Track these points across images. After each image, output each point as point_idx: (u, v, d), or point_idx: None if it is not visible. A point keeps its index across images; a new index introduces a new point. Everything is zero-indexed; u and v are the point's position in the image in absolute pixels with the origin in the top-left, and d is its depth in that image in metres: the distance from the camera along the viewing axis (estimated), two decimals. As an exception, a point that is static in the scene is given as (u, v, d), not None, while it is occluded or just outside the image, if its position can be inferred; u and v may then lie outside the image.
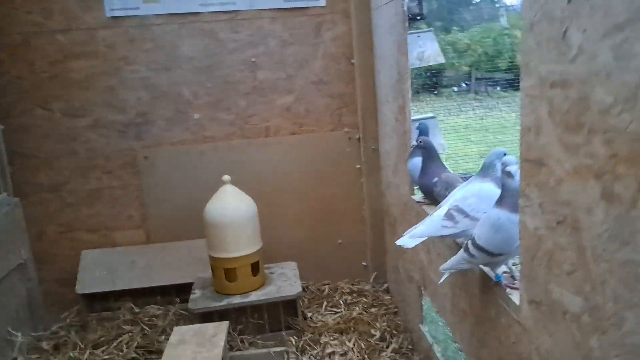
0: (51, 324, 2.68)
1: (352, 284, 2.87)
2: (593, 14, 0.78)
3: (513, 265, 1.32)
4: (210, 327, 2.17)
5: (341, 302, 2.69)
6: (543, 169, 0.98)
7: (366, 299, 2.72)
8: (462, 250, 1.29)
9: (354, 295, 2.77)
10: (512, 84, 15.41)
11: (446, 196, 1.63)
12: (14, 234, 2.50)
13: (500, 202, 1.25)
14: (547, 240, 0.99)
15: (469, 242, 1.25)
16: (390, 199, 2.56)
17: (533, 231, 1.04)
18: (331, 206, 2.85)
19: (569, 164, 0.89)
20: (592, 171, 0.82)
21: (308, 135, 2.77)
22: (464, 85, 16.76)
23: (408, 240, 1.40)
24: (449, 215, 1.36)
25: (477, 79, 16.60)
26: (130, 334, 2.45)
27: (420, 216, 1.96)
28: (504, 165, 1.25)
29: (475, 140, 9.63)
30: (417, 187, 1.75)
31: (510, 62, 16.15)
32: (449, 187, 1.64)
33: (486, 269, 1.32)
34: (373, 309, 2.62)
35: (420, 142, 1.62)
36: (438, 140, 2.09)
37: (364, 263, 2.92)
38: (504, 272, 1.30)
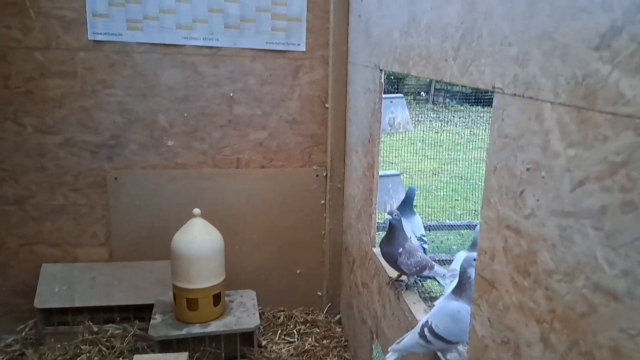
0: (5, 336, 2.69)
1: (307, 313, 3.02)
2: (546, 191, 0.94)
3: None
4: (169, 358, 2.26)
5: (295, 331, 2.83)
6: (494, 291, 1.15)
7: (319, 329, 2.88)
8: (415, 334, 1.45)
9: (308, 325, 2.92)
10: (469, 99, 15.99)
11: (409, 264, 1.81)
12: (-25, 247, 2.49)
13: (458, 293, 1.42)
14: (492, 352, 1.16)
15: (426, 330, 1.42)
16: (351, 239, 2.72)
17: (480, 338, 1.21)
18: (294, 237, 2.98)
19: (515, 299, 1.06)
20: (534, 315, 0.99)
21: (277, 170, 2.88)
22: (423, 94, 17.20)
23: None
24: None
25: (436, 89, 17.06)
26: (88, 355, 2.50)
27: (379, 271, 2.13)
28: (466, 260, 1.42)
29: (430, 155, 9.98)
30: (381, 254, 1.90)
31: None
32: (411, 256, 1.81)
33: (438, 352, 1.49)
34: (325, 341, 2.78)
35: (395, 215, 1.78)
36: (400, 196, 2.25)
37: (319, 293, 3.08)
38: (453, 352, 1.48)
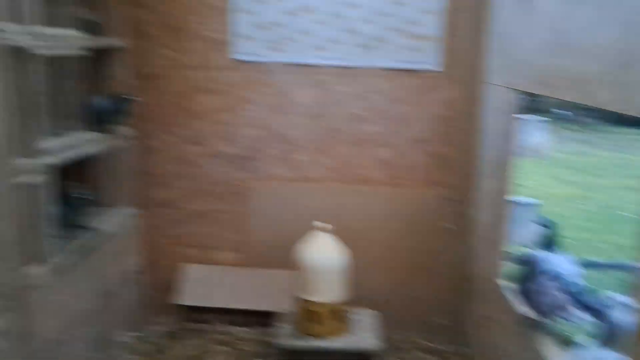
0: (147, 327, 2.97)
1: (429, 341, 2.90)
2: None
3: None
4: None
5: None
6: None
7: (441, 360, 2.76)
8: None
9: (430, 353, 2.81)
10: (620, 119, 14.41)
11: (544, 303, 1.66)
12: (131, 242, 2.84)
13: (608, 341, 1.27)
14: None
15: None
16: (477, 268, 2.58)
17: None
18: (416, 260, 2.91)
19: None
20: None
21: (402, 189, 2.85)
22: (564, 112, 15.90)
23: None
24: None
25: (580, 108, 15.67)
26: (217, 354, 2.68)
27: (509, 306, 1.98)
28: (610, 304, 1.28)
29: (571, 180, 9.15)
30: (513, 289, 1.78)
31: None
32: (547, 295, 1.66)
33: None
34: (450, 375, 2.65)
35: (532, 249, 1.66)
36: (536, 227, 2.10)
37: (442, 322, 2.94)
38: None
